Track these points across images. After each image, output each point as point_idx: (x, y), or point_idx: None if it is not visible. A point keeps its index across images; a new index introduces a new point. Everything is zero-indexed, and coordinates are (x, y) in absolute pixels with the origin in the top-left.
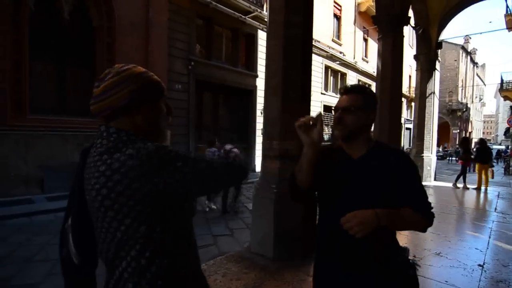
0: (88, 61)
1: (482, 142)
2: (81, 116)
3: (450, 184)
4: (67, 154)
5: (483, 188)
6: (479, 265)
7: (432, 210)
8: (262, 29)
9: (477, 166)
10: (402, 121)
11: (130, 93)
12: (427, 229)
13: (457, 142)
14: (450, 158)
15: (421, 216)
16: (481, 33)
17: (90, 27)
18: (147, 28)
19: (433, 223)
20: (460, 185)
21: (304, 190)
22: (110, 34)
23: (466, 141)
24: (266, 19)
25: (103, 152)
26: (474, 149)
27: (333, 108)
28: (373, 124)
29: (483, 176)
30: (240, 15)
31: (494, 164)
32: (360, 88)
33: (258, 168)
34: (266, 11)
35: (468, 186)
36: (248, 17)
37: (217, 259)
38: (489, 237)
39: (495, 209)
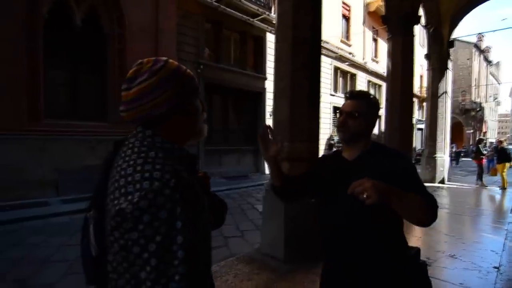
0: (100, 67)
1: (498, 142)
2: (94, 120)
3: (464, 185)
4: (81, 158)
5: (498, 189)
6: (495, 267)
7: (446, 211)
8: (270, 32)
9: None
10: (414, 121)
11: (171, 97)
12: (432, 222)
13: (470, 143)
14: (457, 160)
15: (426, 202)
16: (494, 30)
17: (101, 34)
18: (156, 33)
19: (436, 217)
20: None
21: (282, 189)
22: (120, 41)
23: (479, 142)
24: (274, 22)
25: (130, 154)
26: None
27: (339, 112)
28: (373, 130)
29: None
30: (248, 18)
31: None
32: (364, 95)
33: (267, 170)
34: (274, 13)
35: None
36: (256, 20)
37: (228, 260)
38: (505, 239)
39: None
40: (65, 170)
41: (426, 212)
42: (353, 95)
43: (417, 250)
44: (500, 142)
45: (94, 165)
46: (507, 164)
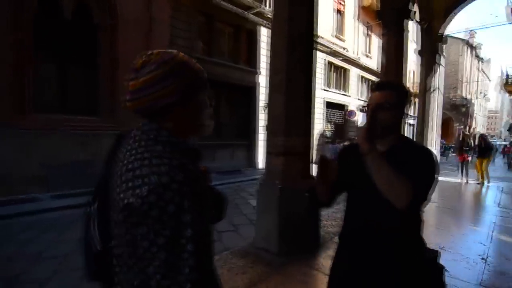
0: (92, 60)
1: (480, 137)
2: (85, 114)
3: (452, 179)
4: (71, 153)
5: (486, 182)
6: (482, 258)
7: (435, 205)
8: (264, 25)
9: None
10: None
11: (178, 89)
12: (405, 206)
13: (460, 139)
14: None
15: (409, 185)
16: (486, 27)
17: (92, 25)
18: (149, 26)
19: (412, 206)
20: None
21: (326, 203)
22: (112, 32)
23: (463, 138)
24: (268, 15)
25: (136, 147)
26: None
27: (366, 106)
28: (402, 121)
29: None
30: (242, 10)
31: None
32: (394, 84)
33: (260, 164)
34: (268, 6)
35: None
36: (250, 13)
37: (223, 254)
38: (492, 231)
39: (499, 204)
40: (55, 165)
41: (402, 190)
42: (382, 86)
43: (437, 254)
44: (482, 136)
45: (85, 160)
46: (487, 160)
